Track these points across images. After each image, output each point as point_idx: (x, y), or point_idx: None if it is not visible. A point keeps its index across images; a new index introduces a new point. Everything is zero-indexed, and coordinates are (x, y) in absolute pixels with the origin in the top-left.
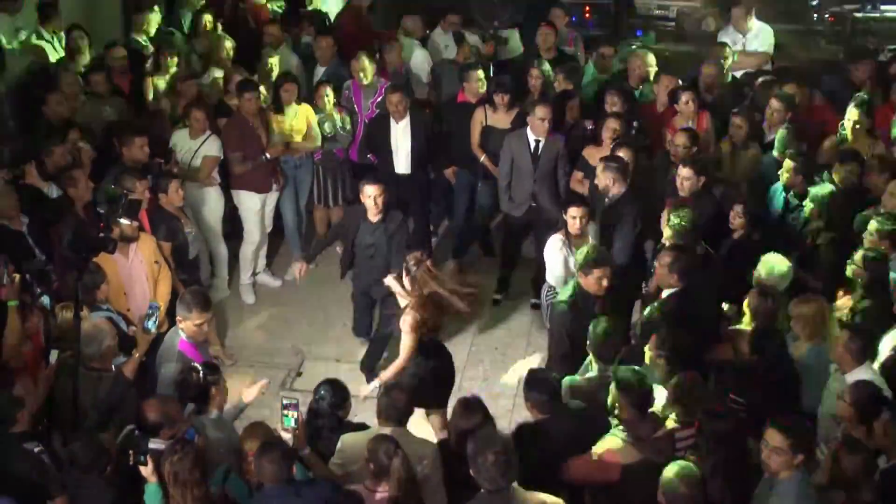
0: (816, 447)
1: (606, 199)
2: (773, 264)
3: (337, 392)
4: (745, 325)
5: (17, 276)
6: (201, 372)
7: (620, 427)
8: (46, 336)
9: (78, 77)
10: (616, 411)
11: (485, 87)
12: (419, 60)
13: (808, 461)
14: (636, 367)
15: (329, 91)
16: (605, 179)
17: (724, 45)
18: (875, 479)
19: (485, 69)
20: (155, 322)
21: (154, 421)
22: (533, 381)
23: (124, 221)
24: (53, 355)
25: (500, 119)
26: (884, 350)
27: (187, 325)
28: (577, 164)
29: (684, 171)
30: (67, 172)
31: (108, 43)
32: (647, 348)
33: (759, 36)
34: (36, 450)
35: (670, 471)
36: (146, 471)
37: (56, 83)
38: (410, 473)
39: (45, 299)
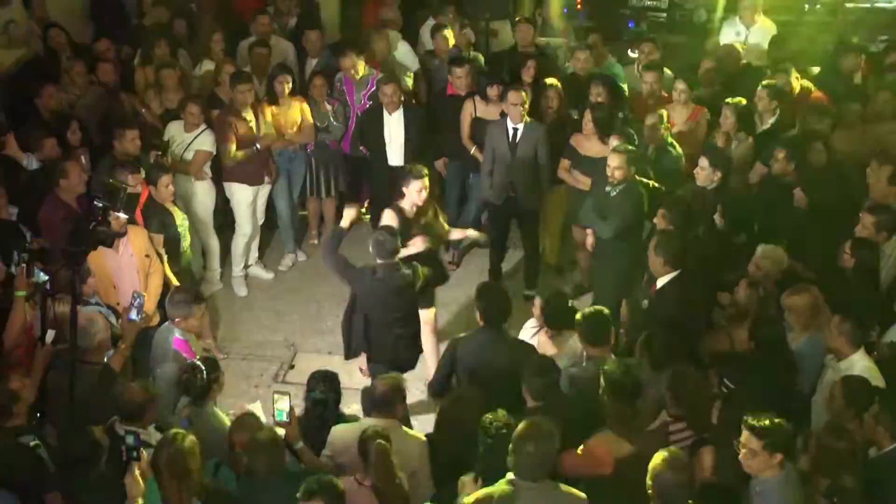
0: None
1: (608, 189)
2: (770, 253)
3: (334, 383)
4: (738, 314)
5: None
6: (205, 371)
7: (612, 421)
8: (42, 320)
9: (82, 69)
10: (607, 404)
11: (468, 81)
12: (402, 52)
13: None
14: (625, 361)
15: (323, 82)
16: (616, 166)
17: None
18: (859, 467)
19: (468, 62)
20: (139, 312)
21: (139, 404)
22: (534, 368)
23: (121, 216)
24: (50, 335)
25: (490, 110)
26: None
27: (190, 322)
28: (565, 152)
29: (701, 161)
30: (60, 164)
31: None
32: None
33: (762, 31)
34: (32, 444)
35: (658, 458)
36: (140, 466)
37: (50, 75)
38: (389, 463)
39: (42, 276)
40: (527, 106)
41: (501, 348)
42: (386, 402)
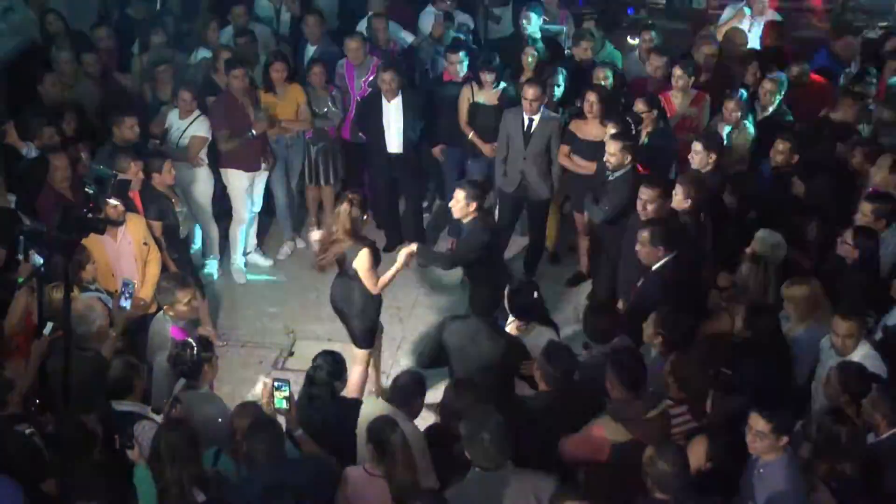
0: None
1: (608, 174)
2: (766, 237)
3: (335, 363)
4: (737, 294)
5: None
6: (195, 348)
7: (612, 406)
8: (39, 308)
9: (73, 58)
10: (609, 390)
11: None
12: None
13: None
14: (630, 347)
15: (321, 69)
16: (612, 153)
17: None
18: (860, 453)
19: (464, 48)
20: (129, 300)
21: (123, 378)
22: (552, 354)
23: (112, 202)
24: (48, 327)
25: (488, 96)
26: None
27: (178, 308)
28: (564, 137)
29: (695, 146)
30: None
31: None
32: (644, 326)
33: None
34: (27, 432)
35: (652, 448)
36: (133, 454)
37: (49, 63)
38: (408, 451)
39: (38, 259)
40: (544, 98)
41: (486, 337)
42: (406, 394)
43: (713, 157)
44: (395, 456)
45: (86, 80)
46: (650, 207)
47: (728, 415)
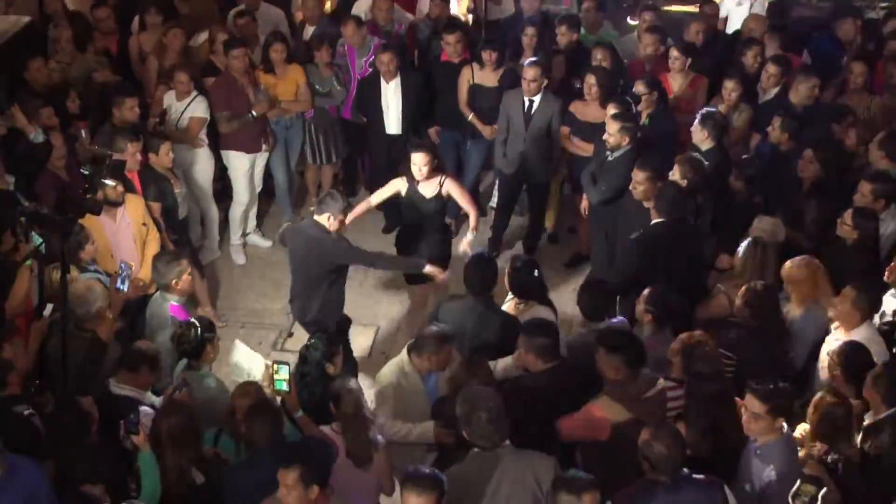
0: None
1: (607, 154)
2: (766, 220)
3: (329, 344)
4: (736, 276)
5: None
6: (199, 328)
7: (610, 386)
8: (39, 289)
9: (70, 36)
10: (602, 371)
11: (459, 48)
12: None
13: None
14: (625, 327)
15: (326, 47)
16: (611, 133)
17: (714, 3)
18: (856, 433)
19: (460, 28)
20: (126, 282)
21: (142, 355)
22: (533, 328)
23: (109, 183)
24: (48, 308)
25: (488, 77)
26: (887, 309)
27: (184, 280)
28: (564, 119)
29: (696, 124)
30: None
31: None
32: (637, 302)
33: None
34: (26, 413)
35: (648, 431)
36: (138, 440)
37: (39, 46)
38: (361, 416)
39: (38, 240)
40: (544, 80)
41: (482, 315)
42: (419, 343)
43: (706, 133)
44: (347, 418)
45: (85, 59)
46: (639, 188)
47: (703, 400)
